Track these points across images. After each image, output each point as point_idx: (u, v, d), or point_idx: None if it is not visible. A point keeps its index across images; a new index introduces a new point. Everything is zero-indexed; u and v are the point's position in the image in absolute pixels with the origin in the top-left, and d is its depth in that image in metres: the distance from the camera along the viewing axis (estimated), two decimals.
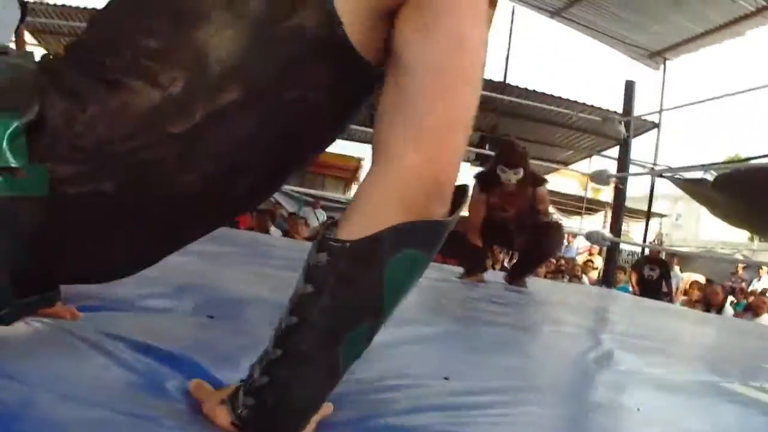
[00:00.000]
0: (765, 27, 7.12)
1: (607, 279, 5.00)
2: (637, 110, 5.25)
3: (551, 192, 17.82)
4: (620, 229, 5.06)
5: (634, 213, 15.93)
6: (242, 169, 0.65)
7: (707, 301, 6.54)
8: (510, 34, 9.39)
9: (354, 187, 13.18)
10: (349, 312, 0.59)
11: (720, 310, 6.10)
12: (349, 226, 0.60)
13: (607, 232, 4.81)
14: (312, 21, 0.60)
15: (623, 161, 4.99)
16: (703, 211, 9.63)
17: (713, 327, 3.26)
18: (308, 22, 0.60)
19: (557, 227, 3.43)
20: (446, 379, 0.94)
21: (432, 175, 0.59)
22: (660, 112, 8.28)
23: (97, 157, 0.59)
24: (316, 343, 0.59)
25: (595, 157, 12.09)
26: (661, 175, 7.77)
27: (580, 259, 10.13)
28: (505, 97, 7.38)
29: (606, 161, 9.37)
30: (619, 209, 5.09)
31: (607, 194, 17.63)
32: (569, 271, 8.20)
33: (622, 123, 4.87)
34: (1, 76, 0.61)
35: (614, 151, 10.93)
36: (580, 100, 9.21)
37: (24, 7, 2.53)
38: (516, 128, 10.23)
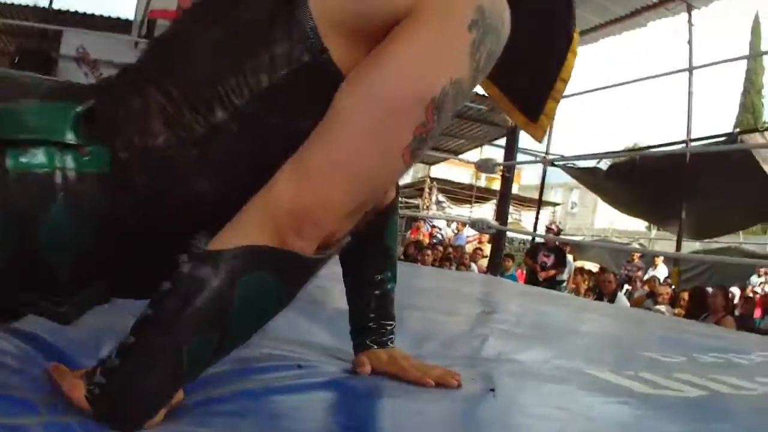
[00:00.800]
0: (666, 18, 7.36)
1: (493, 266, 5.06)
2: None
3: (441, 180, 18.13)
4: (506, 217, 5.10)
5: (527, 201, 16.14)
6: (242, 181, 0.67)
7: (599, 289, 6.45)
8: None
9: None
10: (194, 314, 0.62)
11: (612, 298, 5.92)
12: (217, 238, 0.63)
13: (492, 220, 4.72)
14: (295, 49, 0.63)
15: (511, 150, 5.02)
16: (600, 200, 9.65)
17: (599, 315, 3.16)
18: (292, 50, 0.63)
19: None
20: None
21: (298, 210, 0.62)
22: None
23: (132, 149, 0.64)
24: (162, 337, 0.62)
25: (487, 147, 12.13)
26: (552, 164, 7.55)
27: (470, 248, 10.12)
28: None
29: (498, 150, 9.34)
30: (505, 197, 5.12)
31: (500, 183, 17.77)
32: (457, 259, 8.24)
33: None
34: (61, 85, 0.70)
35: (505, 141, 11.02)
36: None
37: None
38: None
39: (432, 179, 15.07)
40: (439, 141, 11.51)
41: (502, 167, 4.64)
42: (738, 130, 9.91)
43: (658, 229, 14.79)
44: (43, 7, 8.49)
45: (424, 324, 1.64)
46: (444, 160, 14.40)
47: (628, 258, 8.42)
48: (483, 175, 15.87)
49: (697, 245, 10.14)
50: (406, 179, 16.50)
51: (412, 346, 1.21)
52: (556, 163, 7.09)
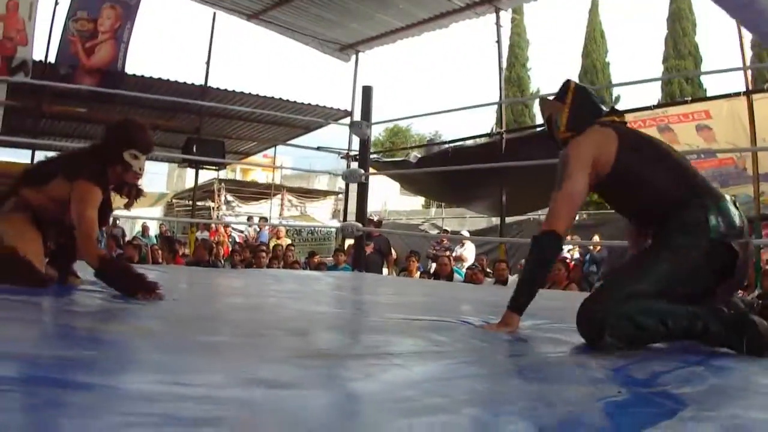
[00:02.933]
0: (469, 21, 7.90)
1: (358, 264, 5.17)
2: (331, 100, 5.59)
3: (228, 181, 17.78)
4: (366, 218, 5.29)
5: (312, 193, 16.76)
6: None
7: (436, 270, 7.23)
8: (211, 38, 9.68)
9: None
10: None
11: (450, 277, 6.79)
12: None
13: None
14: None
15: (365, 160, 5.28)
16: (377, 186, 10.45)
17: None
18: None
19: None
20: None
21: None
22: (353, 100, 9.42)
23: None
24: None
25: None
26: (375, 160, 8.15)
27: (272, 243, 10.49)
28: (201, 103, 7.99)
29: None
30: (363, 198, 5.23)
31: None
32: (281, 258, 8.41)
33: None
34: None
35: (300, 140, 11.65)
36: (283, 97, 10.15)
37: None
38: (219, 127, 10.80)
39: (220, 181, 14.88)
40: (232, 145, 11.88)
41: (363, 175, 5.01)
42: None
43: (438, 207, 16.51)
44: None
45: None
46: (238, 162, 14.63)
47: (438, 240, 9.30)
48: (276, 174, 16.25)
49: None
50: (187, 184, 16.13)
51: None
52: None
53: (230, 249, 10.55)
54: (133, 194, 2.55)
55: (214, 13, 9.62)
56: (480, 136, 11.11)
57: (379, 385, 1.15)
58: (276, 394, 1.03)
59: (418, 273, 7.55)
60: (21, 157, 10.72)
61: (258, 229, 12.98)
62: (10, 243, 2.27)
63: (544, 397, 1.11)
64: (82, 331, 1.60)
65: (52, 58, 8.68)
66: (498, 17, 8.26)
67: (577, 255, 8.01)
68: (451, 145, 9.67)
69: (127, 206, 2.65)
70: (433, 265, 7.77)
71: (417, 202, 19.66)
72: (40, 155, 9.70)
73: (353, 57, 10.03)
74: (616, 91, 18.23)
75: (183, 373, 1.14)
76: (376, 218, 8.59)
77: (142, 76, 9.20)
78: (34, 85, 8.05)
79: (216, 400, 0.95)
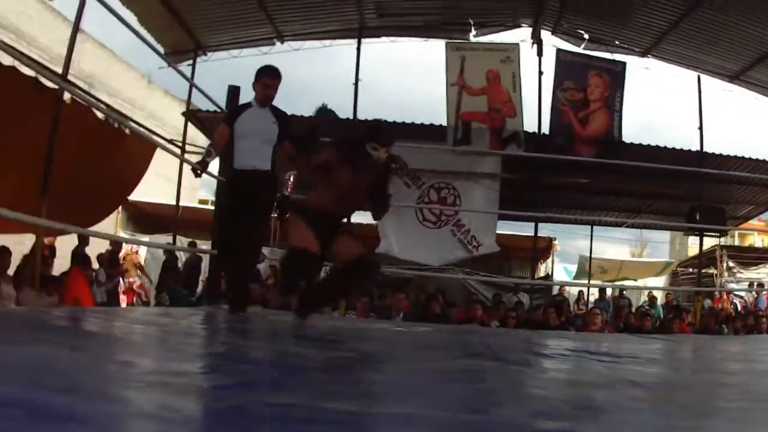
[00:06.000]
0: None
1: None
2: None
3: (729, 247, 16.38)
4: None
5: None
6: None
7: None
8: (699, 102, 9.59)
9: (542, 267, 13.66)
10: None
11: None
12: None
13: None
14: None
15: None
16: None
17: None
18: None
19: None
20: None
21: None
22: None
23: None
24: None
25: None
26: None
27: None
28: (702, 170, 8.21)
29: None
30: None
31: None
32: None
33: None
34: None
35: None
36: None
37: None
38: (718, 193, 10.45)
39: (722, 247, 14.89)
40: (730, 210, 11.47)
41: None
42: None
43: None
44: (347, 118, 8.26)
45: None
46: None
47: None
48: None
49: None
50: (690, 251, 16.65)
51: None
52: None
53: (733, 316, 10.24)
54: None
55: (699, 77, 9.51)
56: None
57: None
58: None
59: None
60: (523, 230, 11.64)
61: (755, 295, 12.79)
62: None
63: None
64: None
65: (545, 129, 8.96)
66: None
67: None
68: None
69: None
70: None
71: None
72: (540, 229, 10.63)
73: None
74: None
75: None
76: None
77: (640, 144, 9.35)
78: (529, 157, 8.49)
79: None
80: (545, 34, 9.24)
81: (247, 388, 1.42)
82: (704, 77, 9.56)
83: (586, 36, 9.09)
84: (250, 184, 3.83)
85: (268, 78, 3.93)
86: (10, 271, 5.66)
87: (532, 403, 1.61)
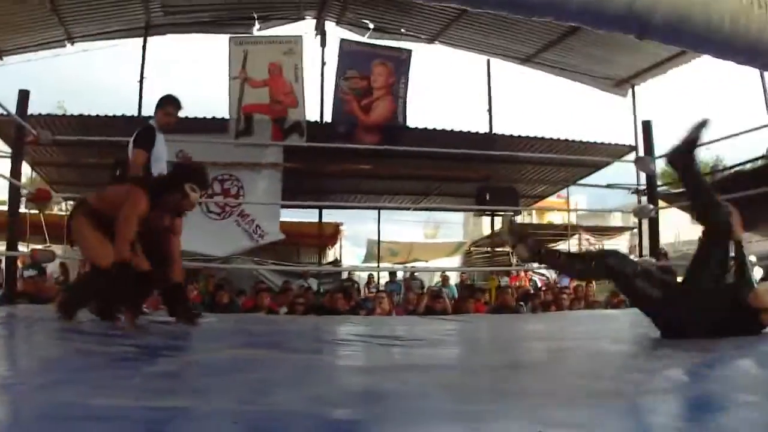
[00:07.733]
0: None
1: None
2: (614, 136, 5.71)
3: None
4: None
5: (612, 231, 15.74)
6: None
7: None
8: (488, 86, 9.84)
9: (330, 253, 13.35)
10: None
11: None
12: None
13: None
14: None
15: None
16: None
17: None
18: None
19: None
20: None
21: None
22: (635, 136, 8.99)
23: None
24: None
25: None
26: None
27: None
28: (487, 152, 8.22)
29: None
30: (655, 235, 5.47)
31: None
32: None
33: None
34: None
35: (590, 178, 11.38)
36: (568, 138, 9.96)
37: None
38: (509, 173, 10.65)
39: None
40: (524, 190, 11.78)
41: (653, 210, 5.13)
42: None
43: None
44: (132, 116, 8.31)
45: None
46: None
47: None
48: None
49: None
50: (484, 231, 16.08)
51: None
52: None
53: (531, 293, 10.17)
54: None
55: (488, 60, 9.72)
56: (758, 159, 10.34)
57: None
58: None
59: None
60: (309, 216, 11.43)
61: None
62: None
63: None
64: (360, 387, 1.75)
65: (327, 118, 8.99)
66: None
67: None
68: (733, 170, 9.31)
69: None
70: None
71: None
72: (327, 215, 10.54)
73: (629, 91, 9.77)
74: None
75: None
76: (663, 251, 8.49)
77: (425, 128, 9.24)
78: (310, 146, 8.36)
79: None
80: (330, 25, 9.37)
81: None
82: (495, 60, 9.82)
83: (371, 26, 9.26)
84: None
85: (172, 108, 4.13)
86: None
87: (313, 390, 1.55)
